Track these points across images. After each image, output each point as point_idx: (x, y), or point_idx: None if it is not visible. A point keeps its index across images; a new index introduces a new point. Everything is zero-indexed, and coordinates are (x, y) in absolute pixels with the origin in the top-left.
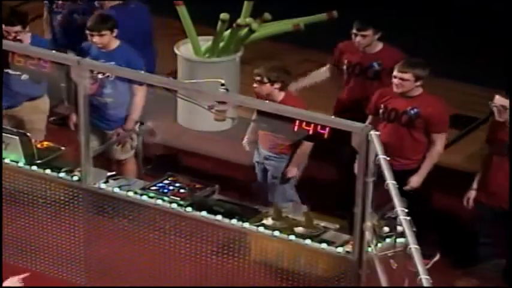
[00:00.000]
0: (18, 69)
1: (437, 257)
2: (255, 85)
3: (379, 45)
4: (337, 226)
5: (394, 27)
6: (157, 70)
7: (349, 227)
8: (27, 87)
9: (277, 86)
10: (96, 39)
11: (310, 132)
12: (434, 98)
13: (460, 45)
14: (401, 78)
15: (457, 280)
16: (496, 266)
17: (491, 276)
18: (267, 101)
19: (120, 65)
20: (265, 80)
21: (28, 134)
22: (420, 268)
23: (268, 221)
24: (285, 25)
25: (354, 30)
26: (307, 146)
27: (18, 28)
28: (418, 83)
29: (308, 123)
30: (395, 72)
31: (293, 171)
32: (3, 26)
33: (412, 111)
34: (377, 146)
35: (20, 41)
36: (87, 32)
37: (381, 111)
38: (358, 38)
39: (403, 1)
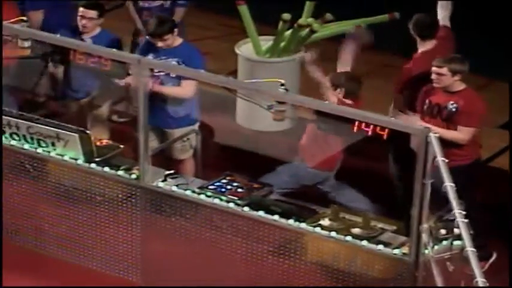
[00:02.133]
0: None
1: (493, 257)
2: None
3: None
4: (394, 228)
5: None
6: (217, 69)
7: (405, 229)
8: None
9: (339, 91)
10: (159, 44)
11: (370, 133)
12: (474, 94)
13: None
14: (438, 73)
15: None
16: None
17: None
18: (326, 101)
19: (182, 61)
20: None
21: (88, 131)
22: (476, 271)
23: (325, 222)
24: (346, 26)
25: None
26: None
27: (93, 13)
28: (456, 78)
29: (367, 124)
30: (433, 68)
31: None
32: (80, 9)
33: (451, 106)
34: (436, 148)
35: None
36: (149, 37)
37: (425, 106)
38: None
39: None
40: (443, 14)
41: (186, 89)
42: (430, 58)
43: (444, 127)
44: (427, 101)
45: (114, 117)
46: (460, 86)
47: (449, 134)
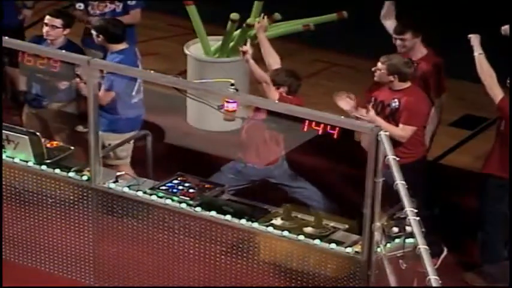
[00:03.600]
0: (29, 68)
1: (445, 253)
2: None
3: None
4: (346, 226)
5: None
6: (167, 70)
7: (358, 228)
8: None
9: (282, 90)
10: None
11: (320, 132)
12: (419, 93)
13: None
14: (376, 68)
15: (465, 277)
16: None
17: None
18: (277, 102)
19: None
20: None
21: (37, 133)
22: (429, 268)
23: (277, 221)
24: (295, 25)
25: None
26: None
27: (58, 22)
28: (393, 78)
29: (318, 123)
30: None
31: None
32: (47, 16)
33: (393, 103)
34: (386, 146)
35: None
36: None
37: (371, 103)
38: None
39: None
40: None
41: (102, 94)
42: None
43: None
44: (372, 98)
45: (80, 128)
46: (404, 85)
47: (390, 130)
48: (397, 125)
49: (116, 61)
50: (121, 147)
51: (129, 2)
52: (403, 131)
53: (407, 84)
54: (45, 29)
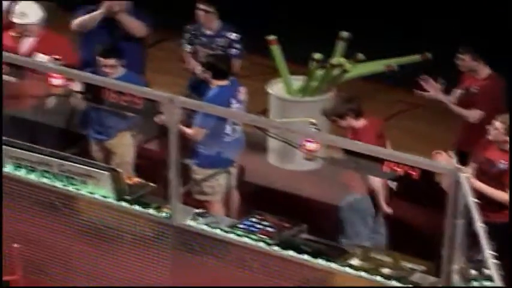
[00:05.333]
0: (111, 104)
1: None
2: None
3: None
4: (424, 268)
5: None
6: (249, 108)
7: (436, 269)
8: (117, 121)
9: (349, 117)
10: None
11: (400, 173)
12: None
13: None
14: (494, 127)
15: None
16: None
17: None
18: (358, 142)
19: None
20: (335, 117)
21: (119, 169)
22: None
23: (355, 261)
24: (378, 65)
25: None
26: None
27: (112, 62)
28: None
29: (398, 164)
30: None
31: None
32: (100, 58)
33: (501, 165)
34: (467, 188)
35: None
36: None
37: (479, 162)
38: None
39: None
40: None
41: (193, 133)
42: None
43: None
44: (481, 156)
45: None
46: None
47: (495, 195)
48: (501, 187)
49: (210, 95)
50: (207, 183)
51: (232, 51)
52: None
53: None
54: (104, 69)
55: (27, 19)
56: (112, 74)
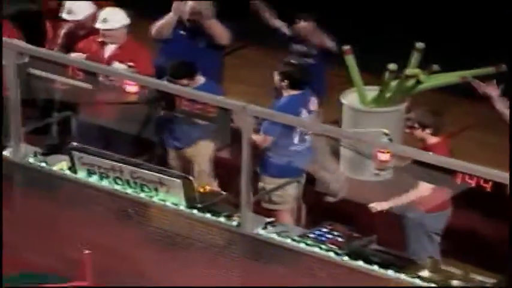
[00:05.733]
0: (185, 113)
1: None
2: (407, 130)
3: None
4: (494, 281)
5: None
6: (323, 118)
7: (506, 283)
8: (196, 130)
9: (429, 131)
10: None
11: (473, 185)
12: None
13: None
14: None
15: None
16: None
17: None
18: (431, 153)
19: None
20: (417, 125)
21: (190, 177)
22: None
23: (425, 273)
24: (453, 77)
25: None
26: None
27: (184, 82)
28: None
29: (471, 176)
30: None
31: (380, 205)
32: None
33: None
34: None
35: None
36: None
37: None
38: None
39: None
40: None
41: (260, 140)
42: None
43: None
44: None
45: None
46: None
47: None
48: None
49: (280, 103)
50: (277, 193)
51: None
52: None
53: None
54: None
55: (109, 25)
56: (191, 85)
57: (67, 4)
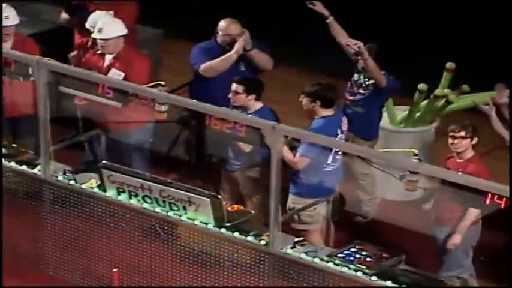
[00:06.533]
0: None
1: None
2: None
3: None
4: None
5: None
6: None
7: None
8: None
9: (474, 142)
10: None
11: (502, 206)
12: None
13: None
14: None
15: None
16: None
17: None
18: (460, 173)
19: None
20: (461, 134)
21: (219, 196)
22: None
23: None
24: (483, 97)
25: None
26: (473, 213)
27: (240, 88)
28: None
29: (500, 197)
30: None
31: (455, 239)
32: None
33: None
34: None
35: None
36: None
37: None
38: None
39: None
40: None
41: (296, 161)
42: None
43: None
44: None
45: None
46: None
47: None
48: None
49: (316, 126)
50: (306, 213)
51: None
52: None
53: None
54: (230, 95)
55: (104, 35)
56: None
57: (98, 23)
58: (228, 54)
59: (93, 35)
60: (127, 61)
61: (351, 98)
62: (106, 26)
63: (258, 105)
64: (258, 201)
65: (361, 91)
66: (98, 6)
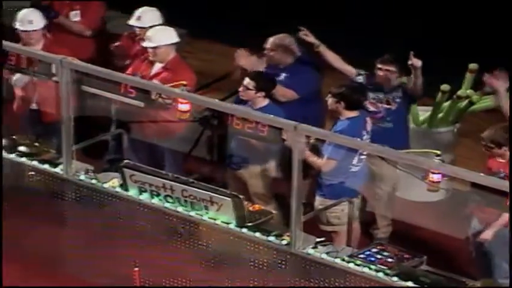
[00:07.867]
0: (236, 131)
1: None
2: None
3: None
4: None
5: None
6: None
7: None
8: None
9: (505, 149)
10: None
11: None
12: None
13: None
14: None
15: None
16: None
17: None
18: (482, 174)
19: None
20: (491, 144)
21: (240, 196)
22: None
23: None
24: (506, 98)
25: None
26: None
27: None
28: None
29: None
30: None
31: (486, 235)
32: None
33: None
34: None
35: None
36: None
37: None
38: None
39: None
40: None
41: (323, 164)
42: None
43: None
44: None
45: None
46: None
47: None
48: None
49: (340, 128)
50: (333, 214)
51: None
52: None
53: None
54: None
55: (153, 43)
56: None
57: (137, 11)
58: None
59: (144, 44)
60: (175, 72)
61: (376, 116)
62: (156, 33)
63: (265, 102)
64: (267, 199)
65: (386, 106)
66: (62, 5)
